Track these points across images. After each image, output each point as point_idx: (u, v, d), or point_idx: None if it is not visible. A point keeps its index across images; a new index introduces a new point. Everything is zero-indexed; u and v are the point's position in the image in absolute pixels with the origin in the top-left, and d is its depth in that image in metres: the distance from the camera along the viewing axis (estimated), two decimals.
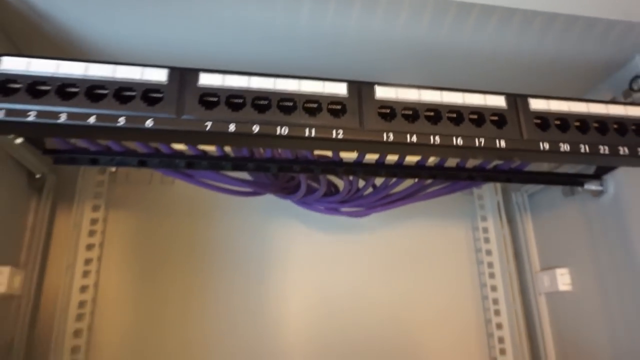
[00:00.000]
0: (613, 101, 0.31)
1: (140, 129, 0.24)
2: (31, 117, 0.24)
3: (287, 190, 0.43)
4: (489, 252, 0.54)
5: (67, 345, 0.43)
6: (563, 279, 0.48)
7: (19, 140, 0.39)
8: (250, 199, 0.49)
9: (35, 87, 0.24)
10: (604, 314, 0.43)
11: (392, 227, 0.54)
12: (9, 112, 0.24)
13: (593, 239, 0.45)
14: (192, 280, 0.48)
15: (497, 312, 0.52)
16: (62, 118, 0.24)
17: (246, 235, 0.51)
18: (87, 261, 0.46)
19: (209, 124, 0.25)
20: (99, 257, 0.47)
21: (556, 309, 0.50)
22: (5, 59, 0.24)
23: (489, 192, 0.55)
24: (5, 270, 0.40)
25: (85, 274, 0.45)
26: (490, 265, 0.53)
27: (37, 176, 0.46)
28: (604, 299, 0.43)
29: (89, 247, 0.46)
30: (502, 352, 0.50)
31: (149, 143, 0.31)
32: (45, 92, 0.24)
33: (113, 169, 0.50)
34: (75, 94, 0.24)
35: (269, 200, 0.49)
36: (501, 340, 0.51)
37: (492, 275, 0.53)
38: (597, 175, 0.39)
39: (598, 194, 0.43)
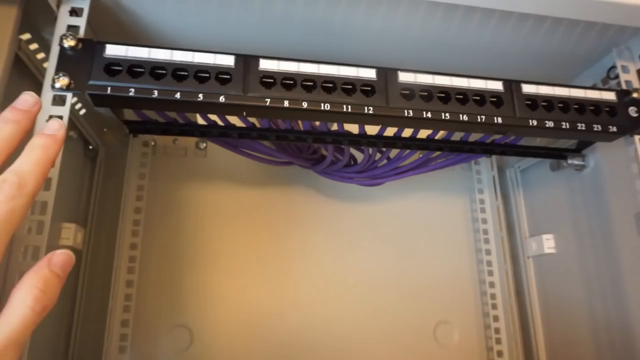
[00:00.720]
0: (591, 87, 0.38)
1: (215, 103, 0.31)
2: (131, 93, 0.30)
3: (311, 161, 0.49)
4: (484, 221, 0.61)
5: (121, 293, 0.50)
6: (548, 243, 0.55)
7: (83, 111, 0.46)
8: (272, 169, 0.56)
9: (133, 69, 0.31)
10: (581, 273, 0.50)
11: (399, 198, 0.61)
12: (114, 89, 0.30)
13: (575, 208, 0.52)
14: (221, 239, 0.55)
15: (490, 273, 0.59)
16: (155, 94, 0.30)
17: (269, 201, 0.57)
18: (135, 222, 0.53)
19: (268, 100, 0.32)
20: (144, 220, 0.53)
21: (542, 270, 0.57)
22: (109, 46, 0.31)
23: (486, 168, 0.62)
24: (72, 226, 0.47)
25: (134, 233, 0.52)
26: (485, 232, 0.61)
27: (91, 147, 0.52)
28: (582, 260, 0.50)
29: (137, 210, 0.53)
30: (494, 306, 0.58)
31: (208, 116, 0.38)
32: (141, 73, 0.31)
33: (153, 142, 0.56)
34: (164, 75, 0.31)
35: (291, 170, 0.55)
36: (493, 296, 0.58)
37: (486, 241, 0.60)
38: (578, 150, 0.46)
39: (580, 168, 0.50)
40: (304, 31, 0.37)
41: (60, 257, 0.25)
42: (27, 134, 0.26)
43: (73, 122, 0.45)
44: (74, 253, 0.48)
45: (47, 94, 0.30)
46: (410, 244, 0.59)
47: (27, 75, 0.36)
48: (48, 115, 0.29)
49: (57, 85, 0.29)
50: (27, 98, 0.26)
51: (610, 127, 0.37)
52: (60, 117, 0.30)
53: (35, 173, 0.24)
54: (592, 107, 0.37)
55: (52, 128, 0.27)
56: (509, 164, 0.62)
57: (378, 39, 0.38)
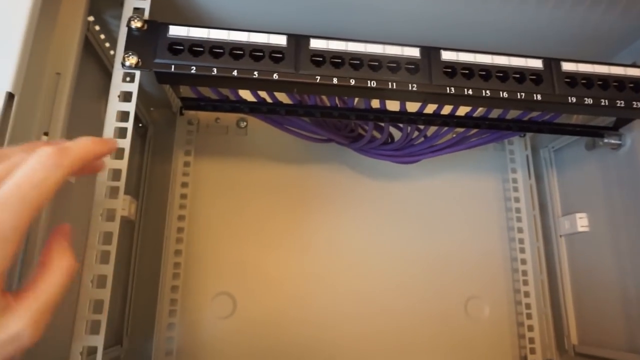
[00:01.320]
0: (631, 65, 0.38)
1: (269, 80, 0.33)
2: (193, 71, 0.33)
3: (349, 139, 0.51)
4: (517, 200, 0.62)
5: (170, 261, 0.54)
6: (581, 222, 0.56)
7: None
8: (310, 147, 0.58)
9: (193, 48, 0.33)
10: (613, 251, 0.51)
11: (433, 177, 0.62)
12: (177, 67, 0.33)
13: (609, 187, 0.52)
14: (262, 213, 0.57)
15: (522, 250, 0.60)
16: (214, 71, 0.33)
17: (306, 178, 0.60)
18: (182, 196, 0.56)
19: (318, 78, 0.34)
20: (191, 194, 0.56)
21: (574, 249, 0.58)
22: (172, 27, 0.33)
23: (519, 148, 0.63)
24: (127, 198, 0.50)
25: (181, 206, 0.56)
26: (517, 210, 0.62)
27: (140, 125, 0.55)
28: (615, 238, 0.51)
29: (183, 184, 0.56)
30: (525, 282, 0.59)
31: (258, 93, 0.40)
32: (201, 52, 0.33)
33: (197, 121, 0.59)
34: (222, 54, 0.33)
35: (327, 148, 0.58)
36: (524, 273, 0.60)
37: (519, 219, 0.61)
38: (616, 128, 0.47)
39: (617, 147, 0.51)
40: (349, 11, 0.39)
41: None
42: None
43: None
44: (128, 223, 0.53)
45: (118, 72, 0.32)
46: (443, 222, 0.61)
47: (92, 54, 0.39)
48: (119, 91, 0.32)
49: (127, 63, 0.32)
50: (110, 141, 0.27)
51: None
52: (130, 94, 0.33)
53: (79, 154, 0.24)
54: (631, 85, 0.38)
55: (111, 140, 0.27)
56: (543, 144, 0.63)
57: (420, 19, 0.39)
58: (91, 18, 0.38)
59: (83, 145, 0.24)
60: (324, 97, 0.42)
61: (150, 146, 0.57)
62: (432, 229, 0.61)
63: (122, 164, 0.31)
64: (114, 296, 0.50)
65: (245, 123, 0.61)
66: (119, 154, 0.31)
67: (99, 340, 0.27)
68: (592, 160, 0.55)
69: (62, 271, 0.23)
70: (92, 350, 0.28)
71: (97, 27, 0.40)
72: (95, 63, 0.40)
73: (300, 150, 0.60)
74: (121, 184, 0.30)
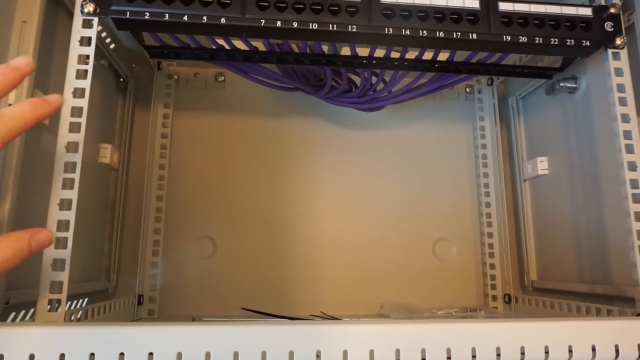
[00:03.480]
0: (568, 4, 0.40)
1: (217, 25, 0.36)
2: (146, 17, 0.35)
3: (316, 87, 0.54)
4: (484, 147, 0.65)
5: (153, 206, 0.58)
6: (542, 165, 0.59)
7: (112, 46, 0.52)
8: (284, 99, 0.61)
9: None
10: (569, 191, 0.54)
11: (404, 125, 0.65)
12: (132, 13, 0.35)
13: (567, 130, 0.55)
14: (240, 161, 0.61)
15: (487, 194, 0.63)
16: (166, 17, 0.36)
17: (281, 128, 0.63)
18: (163, 146, 0.60)
19: (263, 21, 0.36)
20: (171, 144, 0.60)
21: (536, 191, 0.61)
22: None
23: (487, 97, 0.65)
24: (108, 147, 0.54)
25: (162, 155, 0.59)
26: (484, 157, 0.64)
27: (121, 79, 0.59)
28: (571, 180, 0.54)
29: (163, 135, 0.60)
30: (489, 224, 0.63)
31: (217, 40, 0.43)
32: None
33: (176, 76, 0.62)
34: (173, 0, 0.36)
35: (301, 100, 0.60)
36: (488, 215, 0.63)
37: (485, 165, 0.64)
38: (562, 68, 0.49)
39: (573, 90, 0.53)
40: None
41: (42, 237, 0.25)
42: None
43: (103, 53, 0.51)
44: (111, 171, 0.57)
45: (77, 18, 0.35)
46: (413, 169, 0.64)
47: (60, 5, 0.42)
48: (80, 37, 0.35)
49: (85, 10, 0.35)
50: (20, 59, 0.27)
51: (584, 41, 0.39)
52: (90, 39, 0.36)
53: (15, 122, 0.24)
54: (567, 23, 0.39)
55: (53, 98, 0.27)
56: (511, 93, 0.65)
57: None
58: None
59: (19, 111, 0.24)
60: (292, 44, 0.45)
61: (131, 100, 0.60)
62: (403, 176, 0.64)
63: (83, 102, 0.34)
64: (101, 237, 0.55)
65: (223, 77, 0.64)
66: (80, 92, 0.34)
67: (64, 276, 0.31)
68: (553, 105, 0.57)
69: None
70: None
71: None
72: (64, 14, 0.43)
73: (276, 103, 0.63)
74: (82, 119, 0.34)
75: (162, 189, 0.59)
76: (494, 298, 0.61)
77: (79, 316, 0.39)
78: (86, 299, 0.49)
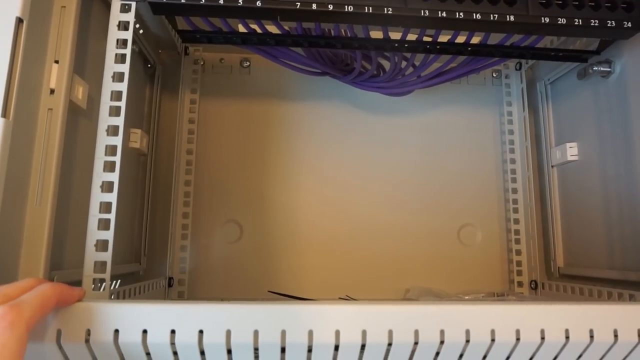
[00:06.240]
0: None
1: (253, 8, 0.36)
2: (202, 1, 0.35)
3: (344, 72, 0.54)
4: (511, 132, 0.64)
5: (181, 190, 0.59)
6: (571, 151, 0.58)
7: (141, 32, 0.52)
8: (310, 84, 0.61)
9: None
10: (600, 178, 0.53)
11: (431, 111, 0.65)
12: None
13: (599, 115, 0.54)
14: (266, 146, 0.61)
15: (513, 180, 0.63)
16: (202, 0, 0.36)
17: (307, 113, 0.63)
18: (190, 131, 0.60)
19: (298, 4, 0.36)
20: (198, 129, 0.61)
21: (565, 178, 0.60)
22: None
23: (516, 82, 0.64)
24: (138, 132, 0.55)
25: (189, 140, 0.60)
26: (511, 142, 0.64)
27: (149, 65, 0.59)
28: (602, 166, 0.53)
29: (190, 120, 0.60)
30: (515, 210, 0.62)
31: (250, 24, 0.43)
32: None
33: (202, 62, 0.63)
34: None
35: (327, 85, 0.60)
36: (515, 202, 0.63)
37: (512, 151, 0.64)
38: (598, 52, 0.48)
39: (606, 74, 0.51)
40: None
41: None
42: None
43: (134, 39, 0.52)
44: (141, 156, 0.58)
45: (116, 3, 0.36)
46: (439, 154, 0.64)
47: None
48: (118, 21, 0.36)
49: None
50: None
51: (625, 22, 0.38)
52: (127, 24, 0.36)
53: (36, 307, 0.22)
54: (608, 4, 0.39)
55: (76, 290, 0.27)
56: (539, 78, 0.63)
57: None
58: None
59: (41, 296, 0.23)
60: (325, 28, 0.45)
61: (159, 85, 0.61)
62: (429, 161, 0.64)
63: (123, 86, 0.34)
64: (131, 221, 0.56)
65: (248, 63, 0.64)
66: (119, 77, 0.35)
67: (107, 256, 0.32)
68: (584, 89, 0.56)
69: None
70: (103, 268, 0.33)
71: None
72: (99, 1, 0.43)
73: (302, 87, 0.63)
74: (122, 103, 0.34)
75: (190, 174, 0.59)
76: (520, 284, 0.61)
77: (116, 294, 0.40)
78: (119, 281, 0.50)
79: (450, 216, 0.63)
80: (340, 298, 0.55)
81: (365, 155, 0.63)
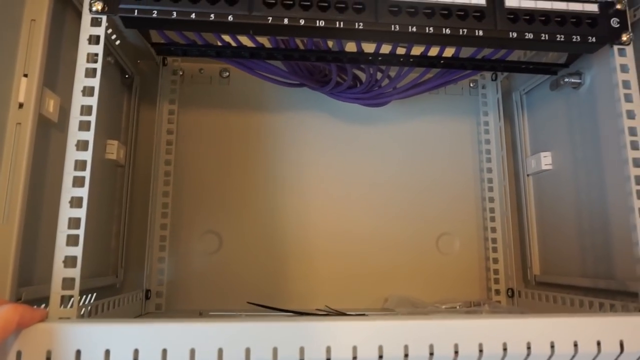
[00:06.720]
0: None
1: (225, 22, 0.36)
2: (154, 15, 0.36)
3: (321, 83, 0.54)
4: (487, 142, 0.65)
5: (159, 201, 0.58)
6: (545, 160, 0.59)
7: (118, 42, 0.52)
8: (289, 95, 0.62)
9: None
10: (574, 188, 0.54)
11: (409, 120, 0.65)
12: (140, 11, 0.36)
13: (571, 125, 0.55)
14: (245, 157, 0.61)
15: (490, 189, 0.64)
16: (174, 15, 0.36)
17: (286, 123, 0.63)
18: (168, 142, 0.60)
19: (270, 19, 0.36)
20: (176, 139, 0.60)
21: (540, 187, 0.61)
22: None
23: (492, 92, 0.65)
24: (115, 143, 0.54)
25: (168, 151, 0.60)
26: (487, 152, 0.65)
27: (127, 76, 0.59)
28: (575, 175, 0.54)
29: (169, 131, 0.60)
30: (492, 219, 0.63)
31: (223, 37, 0.43)
32: None
33: (181, 72, 0.62)
34: None
35: (305, 96, 0.61)
36: (492, 210, 0.63)
37: (488, 160, 0.64)
38: (567, 64, 0.49)
39: (577, 85, 0.53)
40: None
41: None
42: None
43: (110, 49, 0.51)
44: (118, 168, 0.57)
45: (86, 17, 0.36)
46: (417, 163, 0.64)
47: (68, 4, 0.42)
48: (88, 35, 0.35)
49: (94, 9, 0.35)
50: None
51: (590, 37, 0.39)
52: (98, 37, 0.36)
53: None
54: (573, 19, 0.39)
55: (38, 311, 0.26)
56: (515, 88, 0.65)
57: None
58: None
59: (1, 319, 0.23)
60: (298, 40, 0.45)
61: (136, 96, 0.60)
62: (407, 170, 0.64)
63: (93, 101, 0.34)
64: (108, 233, 0.55)
65: (227, 73, 0.64)
66: (89, 91, 0.34)
67: (76, 273, 0.31)
68: (557, 100, 0.57)
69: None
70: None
71: None
72: (72, 13, 0.43)
73: (281, 98, 0.63)
74: (92, 118, 0.34)
75: (168, 185, 0.59)
76: (497, 292, 0.61)
77: (89, 310, 0.40)
78: (95, 294, 0.49)
79: (428, 225, 0.63)
80: (318, 309, 0.55)
81: (344, 165, 0.63)
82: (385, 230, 0.62)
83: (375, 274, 0.61)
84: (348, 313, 0.53)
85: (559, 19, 0.39)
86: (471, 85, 0.67)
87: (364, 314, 0.52)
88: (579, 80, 0.52)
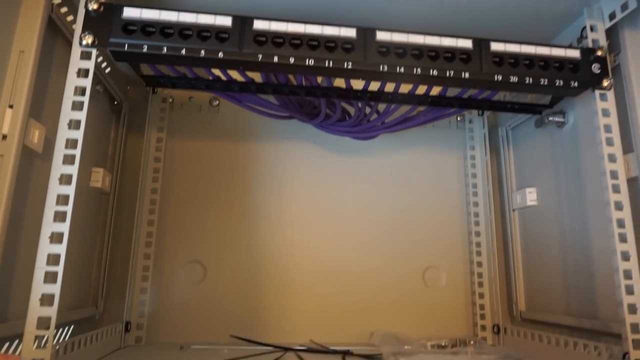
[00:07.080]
0: (557, 45, 0.41)
1: (215, 59, 0.36)
2: (144, 50, 0.36)
3: (311, 115, 0.55)
4: (474, 176, 0.65)
5: (143, 230, 0.57)
6: (530, 196, 0.59)
7: (108, 70, 0.52)
8: (278, 125, 0.62)
9: (146, 29, 0.36)
10: (557, 223, 0.54)
11: (396, 154, 0.66)
12: (130, 45, 0.36)
13: (555, 163, 0.56)
14: (232, 187, 0.61)
15: (476, 223, 0.64)
16: (164, 50, 0.36)
17: (275, 154, 0.63)
18: (155, 170, 0.59)
19: (260, 56, 0.37)
20: (163, 167, 0.60)
21: (525, 222, 0.61)
22: (126, 8, 0.36)
23: (478, 126, 0.66)
24: (100, 171, 0.54)
25: (154, 179, 0.59)
26: (474, 186, 0.65)
27: (116, 102, 0.59)
28: (559, 212, 0.54)
29: (156, 159, 0.60)
30: (478, 253, 0.63)
31: (213, 71, 0.43)
32: (152, 32, 0.36)
33: (171, 99, 0.63)
34: (171, 34, 0.36)
35: (295, 127, 0.61)
36: (478, 245, 0.64)
37: (475, 194, 0.65)
38: (551, 105, 0.50)
39: (561, 124, 0.54)
40: None
41: None
42: None
43: (99, 78, 0.51)
44: (103, 195, 0.57)
45: (76, 49, 0.36)
46: (404, 196, 0.64)
47: (58, 34, 0.42)
48: (77, 68, 0.35)
49: (84, 42, 0.35)
50: None
51: (572, 82, 0.40)
52: (87, 71, 0.36)
53: None
54: (556, 64, 0.41)
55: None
56: (501, 123, 0.66)
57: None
58: (57, 0, 0.41)
59: None
60: (290, 76, 0.45)
61: (124, 123, 0.60)
62: (395, 203, 0.64)
63: (79, 134, 0.34)
64: (89, 262, 0.54)
65: (217, 102, 0.64)
66: (75, 124, 0.34)
67: (52, 312, 0.31)
68: (542, 137, 0.58)
69: None
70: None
71: (65, 9, 0.43)
72: (63, 42, 0.43)
73: (270, 128, 0.64)
74: (77, 152, 0.34)
75: (154, 214, 0.58)
76: (483, 328, 0.61)
77: (64, 347, 0.39)
78: (72, 327, 0.48)
79: (415, 258, 0.63)
80: (301, 345, 0.54)
81: (331, 197, 0.63)
82: (371, 263, 0.62)
83: (360, 307, 0.60)
84: (332, 348, 0.52)
85: (543, 63, 0.41)
86: (458, 119, 0.68)
87: (348, 350, 0.51)
88: (562, 120, 0.53)
